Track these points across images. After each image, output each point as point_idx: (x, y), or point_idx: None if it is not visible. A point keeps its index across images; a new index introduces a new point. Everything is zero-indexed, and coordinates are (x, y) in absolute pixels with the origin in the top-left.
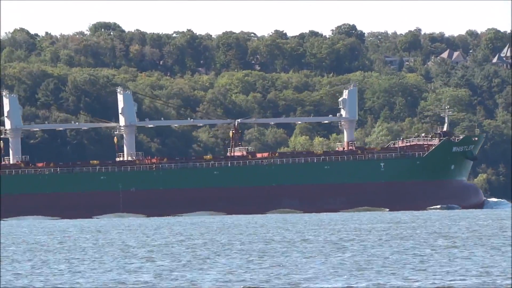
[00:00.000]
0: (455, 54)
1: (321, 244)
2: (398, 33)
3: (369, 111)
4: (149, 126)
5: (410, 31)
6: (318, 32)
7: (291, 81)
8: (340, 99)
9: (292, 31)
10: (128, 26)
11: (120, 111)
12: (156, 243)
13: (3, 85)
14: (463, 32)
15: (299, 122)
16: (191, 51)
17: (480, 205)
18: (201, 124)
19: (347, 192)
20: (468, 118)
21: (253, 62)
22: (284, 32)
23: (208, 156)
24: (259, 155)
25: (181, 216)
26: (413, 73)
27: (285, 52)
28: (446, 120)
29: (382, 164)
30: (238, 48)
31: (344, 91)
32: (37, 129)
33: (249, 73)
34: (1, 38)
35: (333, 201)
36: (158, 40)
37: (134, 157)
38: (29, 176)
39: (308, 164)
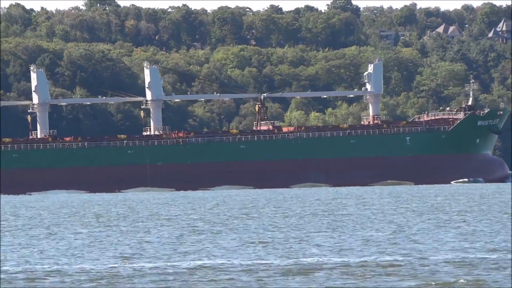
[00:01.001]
0: (451, 28)
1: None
2: (394, 7)
3: (364, 85)
4: (176, 100)
5: (405, 6)
6: (313, 7)
7: (287, 56)
8: (365, 73)
9: (287, 6)
10: (124, 1)
11: (146, 85)
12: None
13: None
14: (458, 7)
15: (325, 96)
16: (187, 26)
17: (504, 179)
18: (227, 99)
19: (373, 166)
20: (464, 93)
21: (248, 37)
22: (279, 7)
23: (235, 130)
24: (285, 129)
25: (210, 190)
26: (408, 48)
27: (280, 27)
28: (471, 94)
29: (407, 138)
30: (233, 23)
31: (369, 65)
32: (64, 104)
33: (245, 48)
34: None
35: (359, 175)
36: (154, 15)
37: (161, 132)
38: (56, 151)
39: (334, 138)
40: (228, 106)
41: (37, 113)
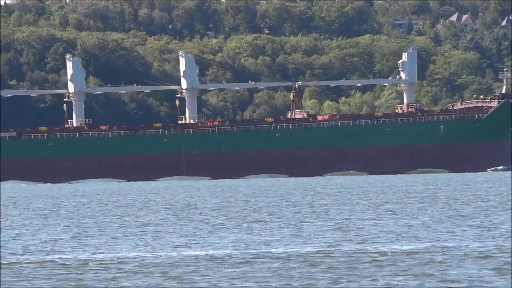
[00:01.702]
0: (464, 17)
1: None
2: None
3: (378, 74)
4: (211, 89)
5: None
6: None
7: (300, 45)
8: (399, 62)
9: None
10: None
11: (181, 74)
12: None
13: (13, 49)
14: None
15: (356, 85)
16: (200, 15)
17: None
18: (262, 87)
19: (407, 154)
20: (477, 81)
21: (262, 25)
22: None
23: (270, 119)
24: (319, 118)
25: (246, 178)
26: (422, 36)
27: (294, 15)
28: (505, 82)
29: (441, 126)
30: (247, 12)
31: (404, 53)
32: (100, 92)
33: (258, 37)
34: (8, 2)
35: (393, 163)
36: (167, 4)
37: (196, 120)
38: (92, 139)
39: (368, 127)
40: (241, 95)
41: (72, 101)
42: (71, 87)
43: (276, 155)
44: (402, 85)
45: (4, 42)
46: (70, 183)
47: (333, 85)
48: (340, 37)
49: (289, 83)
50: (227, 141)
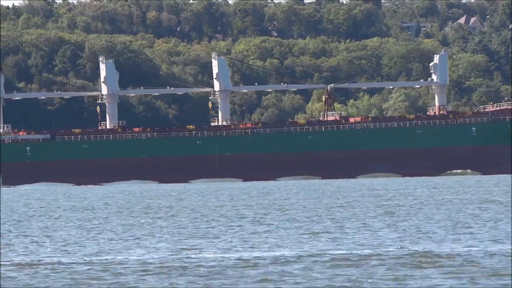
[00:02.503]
0: (472, 19)
1: None
2: None
3: (386, 77)
4: (243, 91)
5: None
6: None
7: (308, 47)
8: (431, 64)
9: None
10: None
11: (214, 76)
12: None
13: (21, 52)
14: None
15: (392, 87)
16: (208, 18)
17: None
18: (294, 89)
19: (439, 156)
20: (485, 84)
21: (270, 28)
22: None
23: (302, 121)
24: (352, 120)
25: (279, 180)
26: (430, 39)
27: (302, 18)
28: None
29: (473, 128)
30: (255, 14)
31: (435, 56)
32: (134, 95)
33: (266, 39)
34: (17, 5)
35: (425, 165)
36: (175, 7)
37: (229, 122)
38: (126, 141)
39: (400, 129)
40: (250, 97)
41: (106, 104)
42: (104, 89)
43: (308, 157)
44: (433, 88)
45: (12, 45)
46: (103, 185)
47: (365, 87)
48: (348, 40)
49: (321, 85)
50: (259, 143)
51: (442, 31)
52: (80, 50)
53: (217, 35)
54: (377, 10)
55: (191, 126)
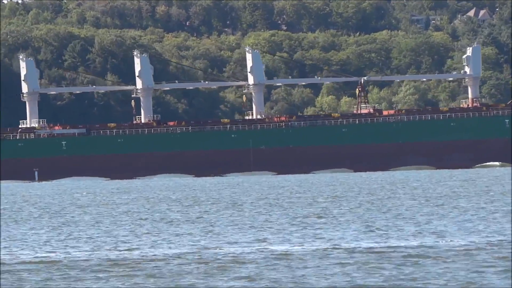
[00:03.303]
0: (482, 12)
1: None
2: None
3: (395, 70)
4: (278, 84)
5: None
6: None
7: (318, 41)
8: (464, 56)
9: None
10: None
11: (249, 69)
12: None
13: (30, 47)
14: None
15: (424, 79)
16: (217, 12)
17: None
18: (328, 82)
19: (473, 148)
20: (495, 76)
21: (279, 22)
22: None
23: (336, 114)
24: (385, 113)
25: (313, 173)
26: (439, 32)
27: (311, 12)
28: None
29: (507, 120)
30: (264, 8)
31: (468, 48)
32: (167, 88)
33: (276, 33)
34: (26, 0)
35: (459, 157)
36: (185, 1)
37: (263, 115)
38: (161, 135)
39: (434, 121)
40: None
41: (140, 98)
42: (139, 83)
43: (342, 150)
44: (466, 80)
45: (22, 40)
46: (138, 178)
47: (398, 80)
48: (358, 33)
49: (354, 78)
50: (294, 136)
51: (452, 24)
52: (90, 45)
53: (226, 29)
54: (386, 3)
55: (226, 120)
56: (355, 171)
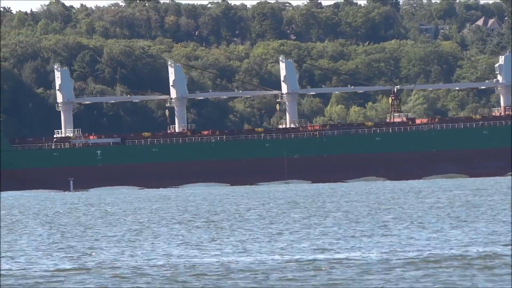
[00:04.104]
0: (490, 21)
1: None
2: (433, 1)
3: (404, 79)
4: (311, 93)
5: None
6: (353, 1)
7: (327, 51)
8: (496, 65)
9: (327, 0)
10: None
11: (282, 79)
12: None
13: (39, 57)
14: None
15: (457, 88)
16: (226, 22)
17: None
18: (361, 91)
19: (505, 156)
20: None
21: (288, 31)
22: (319, 1)
23: (370, 123)
24: (418, 121)
25: (348, 182)
26: (448, 41)
27: (320, 21)
28: None
29: None
30: (273, 18)
31: (500, 57)
32: (202, 97)
33: (285, 43)
34: (35, 10)
35: (492, 165)
36: (194, 11)
37: (297, 124)
38: (195, 144)
39: (467, 130)
40: (268, 101)
41: (175, 107)
42: (173, 93)
43: (376, 158)
44: (499, 88)
45: (31, 51)
46: (173, 187)
47: (431, 89)
48: (367, 43)
49: (387, 87)
50: (328, 145)
51: (461, 33)
52: (99, 55)
53: (235, 39)
54: (395, 13)
55: (260, 129)
56: (389, 179)
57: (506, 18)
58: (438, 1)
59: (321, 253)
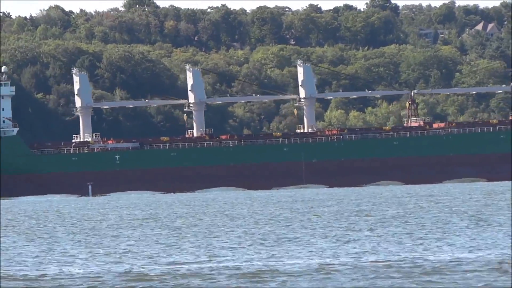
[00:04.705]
0: (490, 26)
1: None
2: (433, 5)
3: (404, 84)
4: (329, 98)
5: (444, 4)
6: (352, 6)
7: (326, 55)
8: None
9: (326, 5)
10: (163, 2)
11: (300, 83)
12: None
13: (39, 62)
14: (497, 4)
15: (473, 92)
16: (226, 26)
17: None
18: (378, 95)
19: None
20: (503, 90)
21: (288, 36)
22: (318, 6)
23: (387, 127)
24: (435, 125)
25: (365, 186)
26: (448, 46)
27: (319, 26)
28: None
29: None
30: (272, 23)
31: None
32: (220, 102)
33: (284, 48)
34: (34, 15)
35: (509, 169)
36: (193, 16)
37: (314, 129)
38: (214, 149)
39: (484, 134)
40: (268, 106)
41: (193, 111)
42: (191, 97)
43: (393, 163)
44: None
45: (30, 56)
46: (192, 192)
47: (448, 93)
48: (366, 47)
49: (404, 91)
50: (345, 149)
51: (460, 37)
52: (98, 60)
53: (235, 43)
54: (394, 17)
55: (278, 133)
56: (406, 183)
57: (505, 22)
58: (438, 6)
59: None
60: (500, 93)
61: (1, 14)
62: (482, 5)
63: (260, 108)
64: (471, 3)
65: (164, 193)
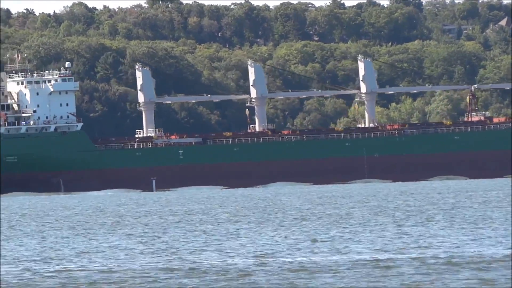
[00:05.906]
0: None
1: None
2: (456, 1)
3: (428, 80)
4: (389, 92)
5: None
6: (376, 2)
7: (350, 51)
8: None
9: (350, 1)
10: None
11: (361, 78)
12: None
13: (62, 59)
14: None
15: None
16: (249, 23)
17: None
18: (438, 90)
19: None
20: None
21: (311, 32)
22: (342, 2)
23: (448, 122)
24: (495, 120)
25: (426, 180)
26: (471, 41)
27: (343, 22)
28: None
29: None
30: (296, 19)
31: None
32: (282, 97)
33: (308, 44)
34: (58, 12)
35: None
36: (216, 12)
37: (376, 123)
38: (276, 144)
39: None
40: (292, 102)
41: (255, 107)
42: (253, 93)
43: (454, 157)
44: None
45: (54, 52)
46: (255, 187)
47: (508, 88)
48: (390, 43)
49: (465, 86)
50: (407, 144)
51: (484, 33)
52: (122, 56)
53: (258, 40)
54: (418, 13)
55: (339, 128)
56: (470, 178)
57: None
58: (461, 1)
59: None
60: None
61: (1, 13)
62: (506, 0)
63: (284, 104)
64: None
65: (227, 188)
